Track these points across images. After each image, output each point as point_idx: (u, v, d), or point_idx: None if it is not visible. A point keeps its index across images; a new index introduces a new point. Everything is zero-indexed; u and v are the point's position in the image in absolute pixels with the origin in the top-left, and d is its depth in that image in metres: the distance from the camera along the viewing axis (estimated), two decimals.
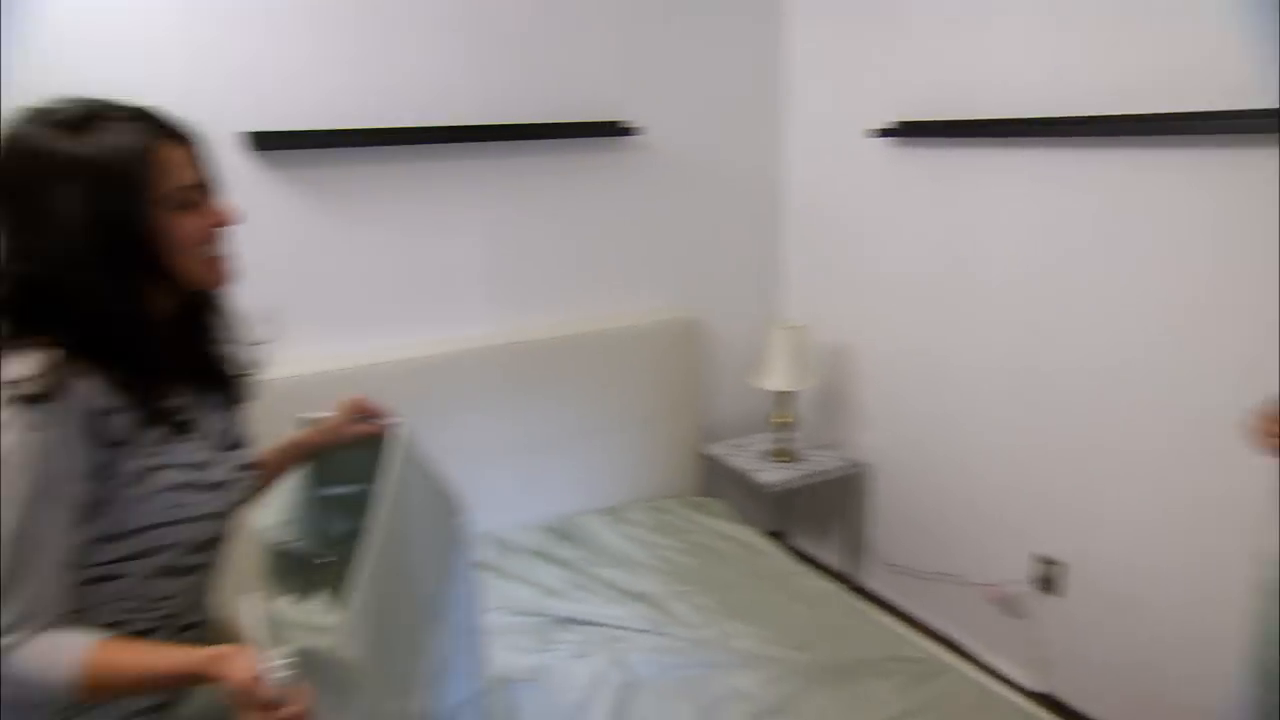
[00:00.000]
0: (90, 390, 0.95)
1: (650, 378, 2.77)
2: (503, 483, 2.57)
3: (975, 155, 2.36)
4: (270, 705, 0.89)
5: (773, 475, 2.72)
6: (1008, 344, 2.36)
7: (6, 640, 0.90)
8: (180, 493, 1.03)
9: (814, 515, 3.12)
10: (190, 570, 1.11)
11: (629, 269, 2.86)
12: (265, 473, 1.29)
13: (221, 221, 1.08)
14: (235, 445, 1.17)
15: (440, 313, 2.54)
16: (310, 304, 2.36)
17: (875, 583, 2.96)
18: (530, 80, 2.54)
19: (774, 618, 2.11)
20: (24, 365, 0.93)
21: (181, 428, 1.05)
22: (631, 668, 1.92)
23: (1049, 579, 2.34)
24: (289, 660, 0.92)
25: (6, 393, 0.92)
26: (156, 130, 1.01)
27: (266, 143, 2.18)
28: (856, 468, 2.87)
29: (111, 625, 1.02)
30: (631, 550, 2.44)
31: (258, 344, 1.25)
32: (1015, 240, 2.29)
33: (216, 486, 1.09)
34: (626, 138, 2.69)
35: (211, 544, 1.13)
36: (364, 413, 1.35)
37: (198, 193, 1.04)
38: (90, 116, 0.97)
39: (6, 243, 0.97)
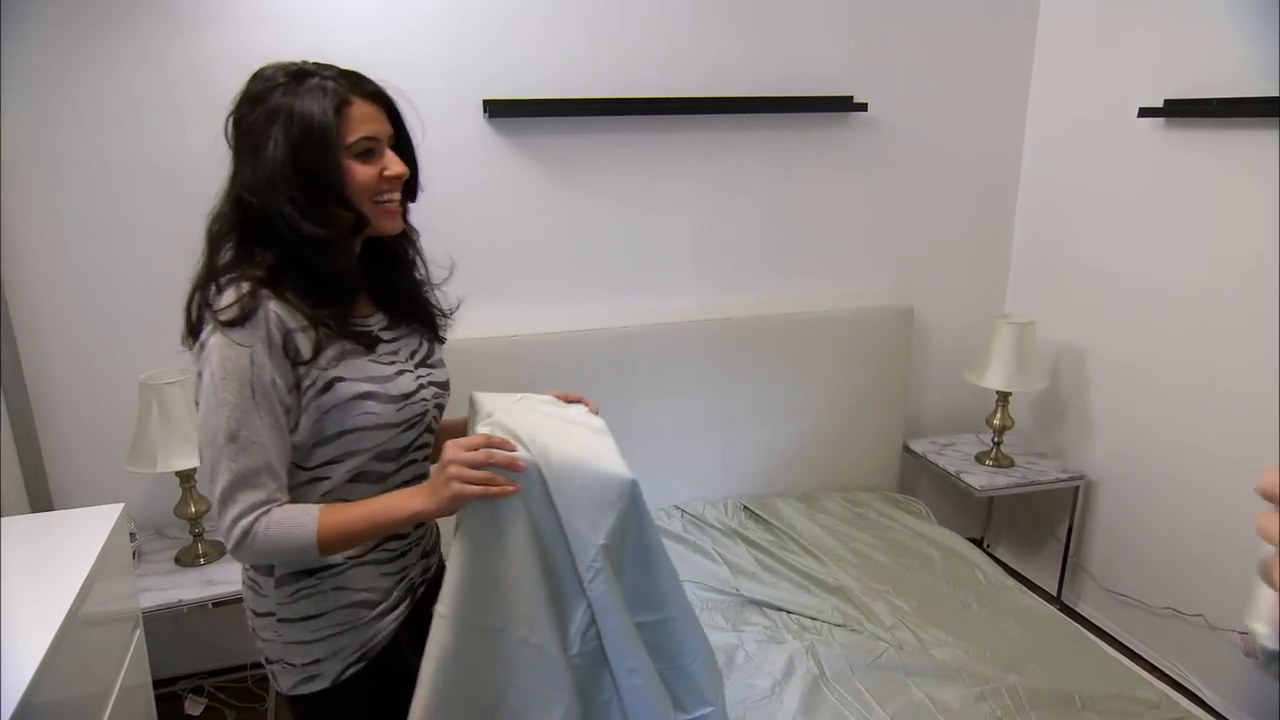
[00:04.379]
0: (279, 313, 1.10)
1: (856, 365, 2.67)
2: (698, 458, 2.58)
3: (1264, 141, 2.06)
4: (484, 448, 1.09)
5: (983, 479, 2.55)
6: (1274, 363, 2.07)
7: (249, 519, 1.08)
8: (364, 401, 1.15)
9: (1021, 526, 2.91)
10: (386, 477, 1.23)
11: (843, 250, 2.76)
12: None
13: (392, 174, 1.18)
14: (427, 365, 1.28)
15: (649, 283, 2.57)
16: (528, 265, 2.45)
17: (1088, 607, 2.73)
18: (755, 53, 2.49)
19: (979, 631, 1.98)
20: (227, 296, 1.09)
21: (370, 345, 1.18)
22: (823, 661, 1.86)
23: None
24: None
25: (212, 319, 1.09)
26: (352, 87, 1.14)
27: (498, 110, 2.28)
28: (1076, 480, 2.64)
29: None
30: (825, 540, 2.37)
31: (444, 288, 1.38)
32: None
33: (402, 398, 1.19)
34: (851, 114, 2.59)
35: (405, 453, 1.24)
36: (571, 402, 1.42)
37: (379, 144, 1.17)
38: (302, 74, 1.13)
39: (234, 170, 1.14)
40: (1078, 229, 2.66)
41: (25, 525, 1.72)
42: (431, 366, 1.29)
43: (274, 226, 1.10)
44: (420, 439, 1.26)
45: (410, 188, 1.26)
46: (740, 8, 2.44)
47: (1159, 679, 2.14)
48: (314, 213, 1.11)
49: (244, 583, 1.26)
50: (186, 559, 2.11)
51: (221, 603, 1.99)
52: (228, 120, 1.14)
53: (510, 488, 1.09)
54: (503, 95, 2.28)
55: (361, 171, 1.14)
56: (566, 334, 2.38)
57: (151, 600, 1.96)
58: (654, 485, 2.57)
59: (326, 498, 1.18)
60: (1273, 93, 1.99)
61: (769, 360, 2.57)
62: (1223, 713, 2.22)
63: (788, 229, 2.68)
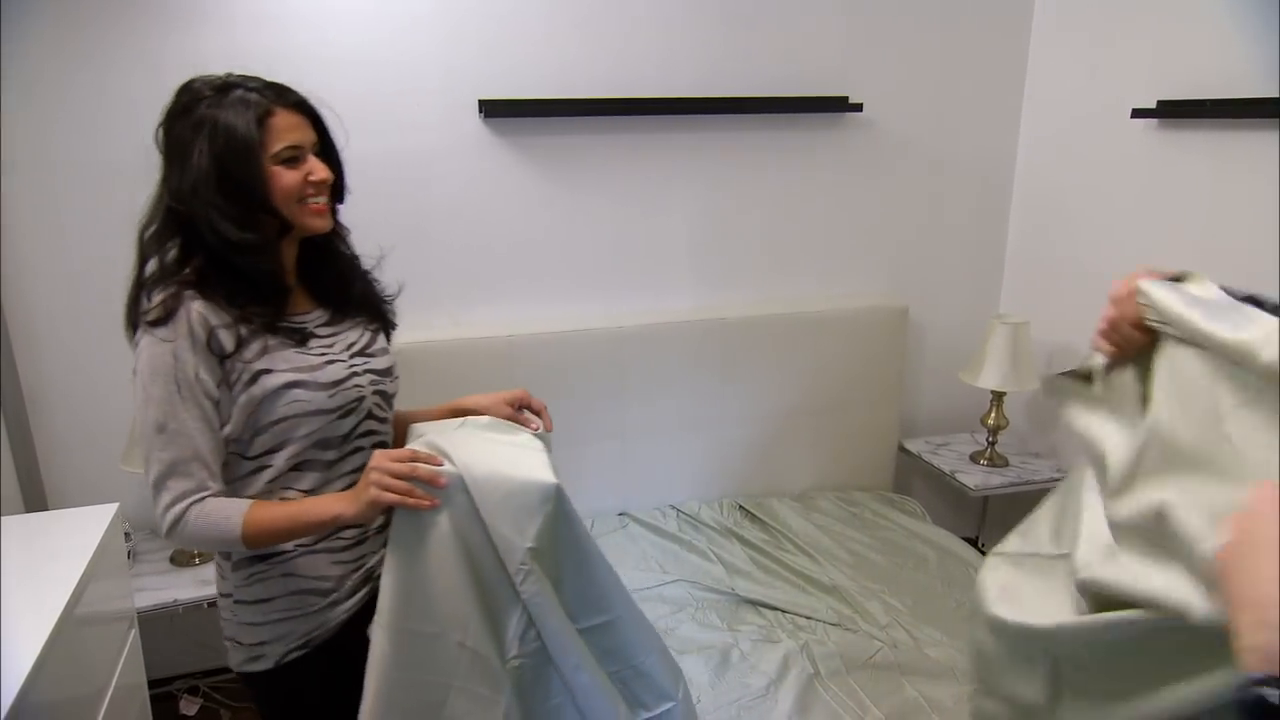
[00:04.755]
0: (202, 311, 1.17)
1: (851, 365, 2.67)
2: (694, 458, 2.58)
3: (1259, 141, 2.07)
4: (408, 461, 1.15)
5: (977, 479, 2.55)
6: None
7: (178, 508, 1.15)
8: (292, 390, 1.21)
9: (1016, 526, 2.92)
10: (331, 465, 1.28)
11: (838, 250, 2.77)
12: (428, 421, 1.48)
13: (317, 179, 1.24)
14: (364, 355, 1.33)
15: (644, 283, 2.57)
16: (524, 265, 2.45)
17: None
18: (750, 53, 2.50)
19: None
20: (154, 298, 1.17)
21: (301, 340, 1.25)
22: (818, 659, 1.87)
23: None
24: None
25: (142, 320, 1.17)
26: (275, 99, 1.20)
27: (494, 110, 2.28)
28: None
29: None
30: (820, 539, 2.38)
31: (377, 279, 1.44)
32: None
33: (333, 384, 1.24)
34: (846, 114, 2.59)
35: (347, 440, 1.29)
36: (524, 406, 1.45)
37: (302, 151, 1.23)
38: (227, 87, 1.19)
39: (162, 178, 1.22)
40: (1072, 229, 2.67)
41: (20, 525, 1.72)
42: (369, 355, 1.34)
43: (201, 233, 1.18)
44: (362, 426, 1.30)
45: (338, 190, 1.32)
46: (735, 8, 2.44)
47: None
48: (240, 219, 1.18)
49: (215, 564, 1.36)
50: (181, 559, 2.11)
51: (216, 603, 1.99)
52: (157, 130, 1.21)
53: (427, 501, 1.15)
54: (498, 95, 2.28)
55: (287, 176, 1.21)
56: (562, 334, 2.38)
57: (146, 600, 1.96)
58: (649, 485, 2.58)
59: (272, 484, 1.24)
60: (1267, 93, 2.00)
61: (764, 360, 2.57)
62: None
63: (783, 229, 2.69)
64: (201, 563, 2.10)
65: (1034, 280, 2.84)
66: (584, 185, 2.45)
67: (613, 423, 2.49)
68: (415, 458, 1.16)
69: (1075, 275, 2.65)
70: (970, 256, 2.90)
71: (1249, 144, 2.09)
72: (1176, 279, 0.94)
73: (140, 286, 1.20)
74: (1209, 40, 2.17)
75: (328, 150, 1.29)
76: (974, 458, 2.68)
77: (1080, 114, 2.59)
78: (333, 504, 1.18)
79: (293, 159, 1.21)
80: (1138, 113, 2.33)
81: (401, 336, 2.59)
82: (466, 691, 1.19)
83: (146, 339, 1.16)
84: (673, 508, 2.54)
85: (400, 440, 1.39)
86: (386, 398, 1.36)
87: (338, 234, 1.36)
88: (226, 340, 1.18)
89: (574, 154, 2.42)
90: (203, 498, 1.16)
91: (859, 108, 2.57)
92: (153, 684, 1.97)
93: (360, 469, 1.28)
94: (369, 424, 1.31)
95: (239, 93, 1.18)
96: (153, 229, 1.21)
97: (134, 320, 1.20)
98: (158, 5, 2.02)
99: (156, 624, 2.02)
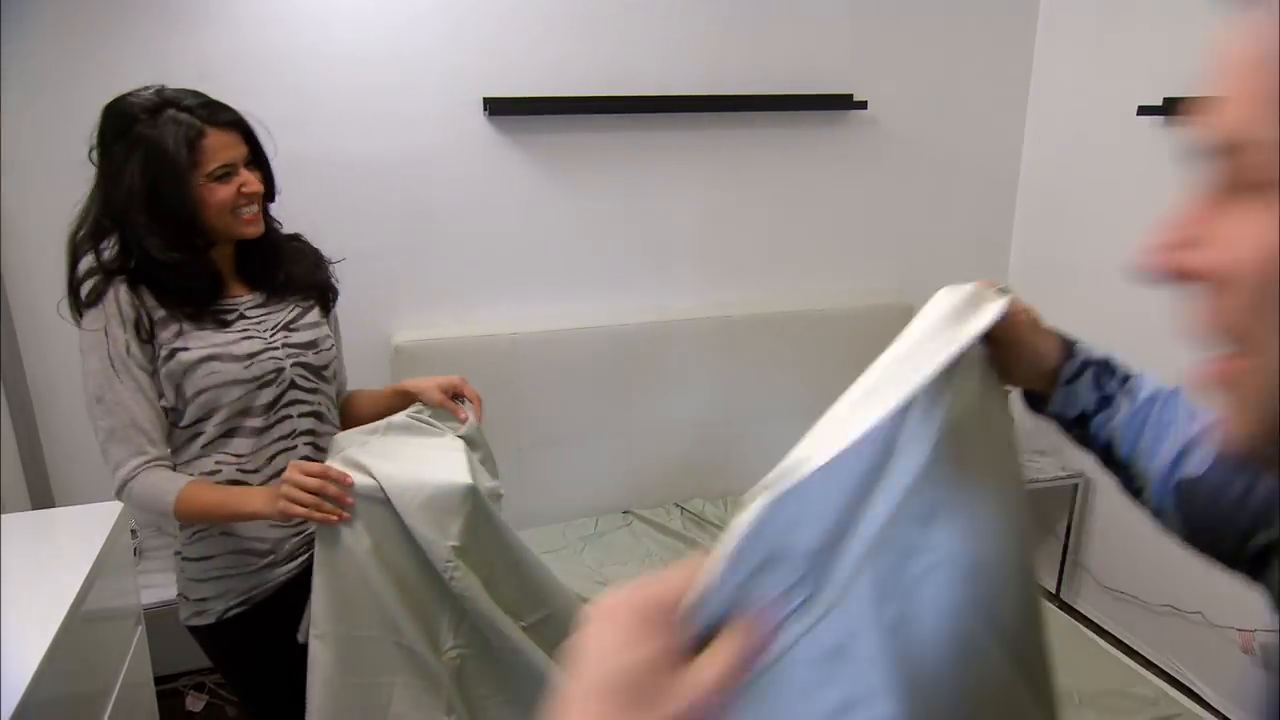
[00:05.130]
0: (124, 300, 1.30)
1: (857, 362, 2.56)
2: (699, 455, 2.59)
3: None
4: (316, 475, 1.23)
5: None
6: None
7: (122, 473, 1.31)
8: (208, 363, 1.34)
9: None
10: (260, 431, 1.40)
11: (843, 248, 2.79)
12: (379, 403, 1.59)
13: (249, 192, 1.34)
14: (288, 329, 1.45)
15: (649, 281, 2.58)
16: (528, 263, 2.47)
17: (1086, 604, 2.78)
18: (754, 50, 2.51)
19: None
20: (86, 285, 1.31)
21: (221, 323, 1.38)
22: None
23: None
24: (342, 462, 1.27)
25: (76, 305, 1.31)
26: (208, 118, 1.28)
27: (498, 108, 2.28)
28: (1075, 479, 2.68)
29: (210, 475, 1.38)
30: None
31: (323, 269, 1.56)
32: None
33: (247, 357, 1.37)
34: (850, 112, 2.61)
35: (272, 409, 1.41)
36: (458, 394, 1.52)
37: (234, 167, 1.32)
38: (160, 107, 1.26)
39: (94, 191, 1.31)
40: (1077, 227, 2.69)
41: (27, 522, 1.73)
42: (292, 330, 1.45)
43: (127, 240, 1.30)
44: (287, 395, 1.43)
45: (269, 193, 1.42)
46: (741, 5, 2.46)
47: (1156, 675, 2.19)
48: (167, 238, 1.28)
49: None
50: None
51: None
52: (90, 148, 1.31)
53: (334, 516, 1.23)
54: (502, 93, 2.29)
55: (220, 192, 1.31)
56: (566, 331, 2.39)
57: (152, 597, 1.97)
58: (654, 483, 2.59)
59: (206, 449, 1.38)
60: None
61: (768, 358, 2.59)
62: (1220, 709, 2.24)
63: (787, 226, 2.71)
64: None
65: (1039, 279, 2.85)
66: (589, 183, 2.46)
67: (617, 420, 2.50)
68: (326, 474, 1.25)
69: (1080, 273, 2.67)
70: (975, 255, 2.92)
71: None
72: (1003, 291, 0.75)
73: (74, 281, 1.32)
74: (1213, 37, 2.17)
75: (258, 160, 1.38)
76: None
77: (1086, 111, 2.61)
78: (254, 500, 1.31)
79: (225, 175, 1.30)
80: (1144, 110, 2.34)
81: (406, 334, 2.62)
82: (410, 687, 1.27)
83: (84, 320, 1.31)
84: (677, 505, 2.55)
85: (348, 414, 1.57)
86: (311, 369, 1.46)
87: (269, 227, 1.45)
88: (146, 325, 1.32)
89: (579, 151, 2.43)
90: (146, 464, 1.31)
91: (864, 105, 2.59)
92: (159, 680, 1.98)
93: (290, 435, 1.44)
94: (293, 393, 1.43)
95: (171, 112, 1.26)
96: (82, 233, 1.32)
97: (77, 308, 1.33)
98: (161, 5, 2.03)
99: (163, 621, 2.03)
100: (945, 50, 2.69)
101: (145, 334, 1.32)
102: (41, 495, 2.22)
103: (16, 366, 2.15)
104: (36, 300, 2.14)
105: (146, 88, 1.31)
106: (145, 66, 2.04)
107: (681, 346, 2.50)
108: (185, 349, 1.34)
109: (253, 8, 2.08)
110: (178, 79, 1.30)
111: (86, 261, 1.33)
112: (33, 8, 1.96)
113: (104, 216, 1.30)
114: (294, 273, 1.50)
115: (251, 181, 1.34)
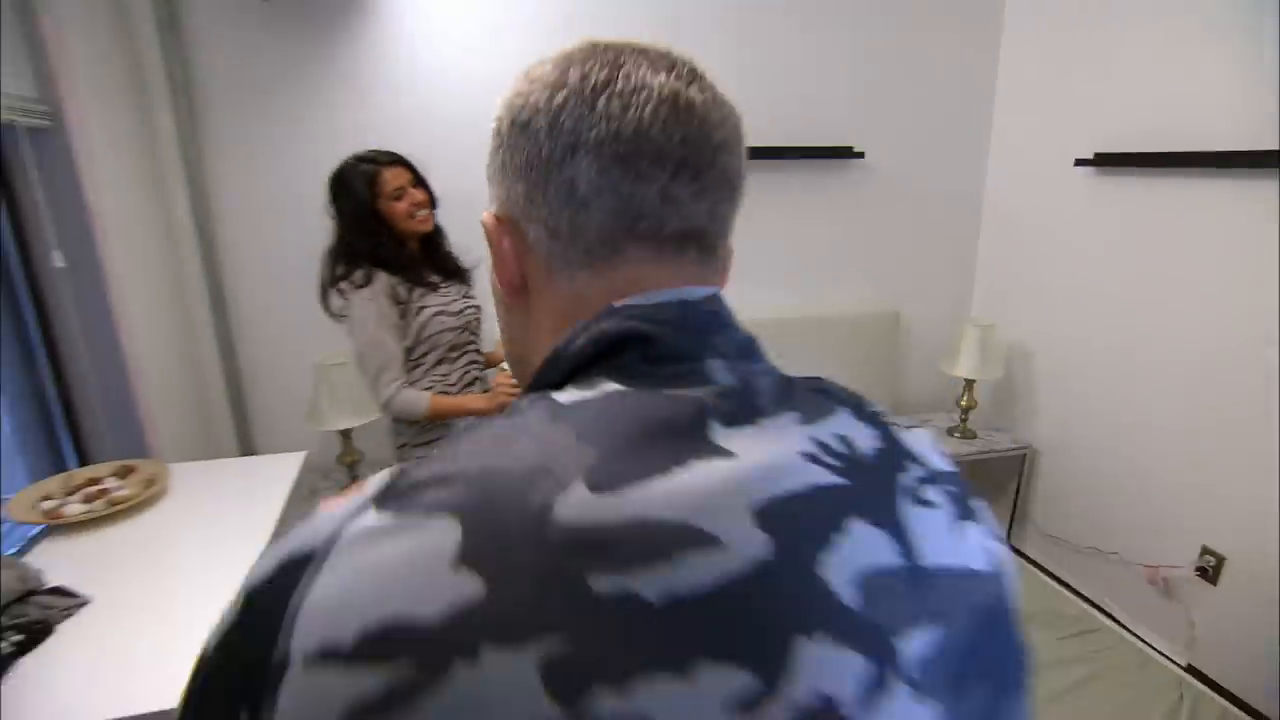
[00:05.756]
0: (384, 281, 1.88)
1: (851, 357, 3.06)
2: None
3: (1169, 185, 2.35)
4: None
5: (951, 448, 2.94)
6: (1186, 354, 2.38)
7: (393, 389, 1.90)
8: (438, 317, 1.95)
9: (981, 485, 3.25)
10: (454, 361, 2.02)
11: (842, 267, 3.09)
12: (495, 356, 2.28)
13: (416, 202, 1.92)
14: (466, 297, 2.07)
15: None
16: None
17: (1031, 549, 3.09)
18: (770, 109, 2.77)
19: None
20: (356, 278, 1.88)
21: (433, 289, 1.96)
22: None
23: (1205, 568, 2.34)
24: None
25: (350, 288, 1.87)
26: (385, 163, 1.89)
27: None
28: (1024, 449, 2.98)
29: (430, 388, 1.99)
30: None
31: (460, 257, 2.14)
32: (1198, 260, 2.30)
33: (456, 314, 2.00)
34: (851, 160, 2.94)
35: (462, 347, 2.03)
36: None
37: (404, 188, 1.90)
38: (355, 163, 1.89)
39: (335, 216, 1.92)
40: (1029, 251, 2.96)
41: (237, 466, 2.03)
42: (469, 298, 2.08)
43: (359, 246, 1.90)
44: (469, 339, 2.06)
45: (432, 202, 1.99)
46: (758, 71, 2.71)
47: (1082, 600, 2.53)
48: (372, 235, 1.88)
49: (391, 427, 2.12)
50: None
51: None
52: (329, 192, 1.91)
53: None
54: None
55: (399, 206, 1.90)
56: None
57: None
58: None
59: (426, 373, 1.99)
60: (1177, 149, 2.29)
61: (775, 357, 2.88)
62: (1129, 626, 2.53)
63: (795, 251, 2.99)
64: None
65: (999, 291, 3.15)
66: None
67: None
68: (512, 381, 1.79)
69: (1032, 288, 2.97)
70: (948, 271, 3.23)
71: (1165, 189, 2.37)
72: None
73: (329, 282, 1.90)
74: (1138, 101, 2.42)
75: (420, 182, 1.97)
76: (949, 431, 3.07)
77: (1034, 160, 2.88)
78: (478, 401, 1.94)
79: (399, 195, 1.89)
80: (1079, 161, 2.61)
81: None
82: None
83: (357, 297, 1.86)
84: None
85: (496, 357, 2.21)
86: (475, 322, 2.10)
87: (439, 230, 2.05)
88: (400, 291, 1.91)
89: None
90: (401, 385, 1.90)
91: (861, 155, 2.91)
92: None
93: (469, 364, 2.06)
94: (470, 338, 2.08)
95: (363, 166, 1.87)
96: (331, 248, 1.95)
97: (325, 302, 1.91)
98: (338, 80, 2.42)
99: None
100: (925, 110, 2.95)
101: (398, 299, 1.90)
102: (247, 446, 2.57)
103: (232, 356, 2.52)
104: (246, 300, 2.52)
105: (354, 153, 1.91)
106: (326, 130, 2.43)
107: None
108: (425, 306, 1.94)
109: (390, 78, 2.43)
110: (348, 144, 1.98)
111: (335, 271, 1.94)
112: (239, 78, 2.34)
113: (343, 240, 1.92)
114: (456, 264, 2.09)
115: (418, 195, 1.92)
